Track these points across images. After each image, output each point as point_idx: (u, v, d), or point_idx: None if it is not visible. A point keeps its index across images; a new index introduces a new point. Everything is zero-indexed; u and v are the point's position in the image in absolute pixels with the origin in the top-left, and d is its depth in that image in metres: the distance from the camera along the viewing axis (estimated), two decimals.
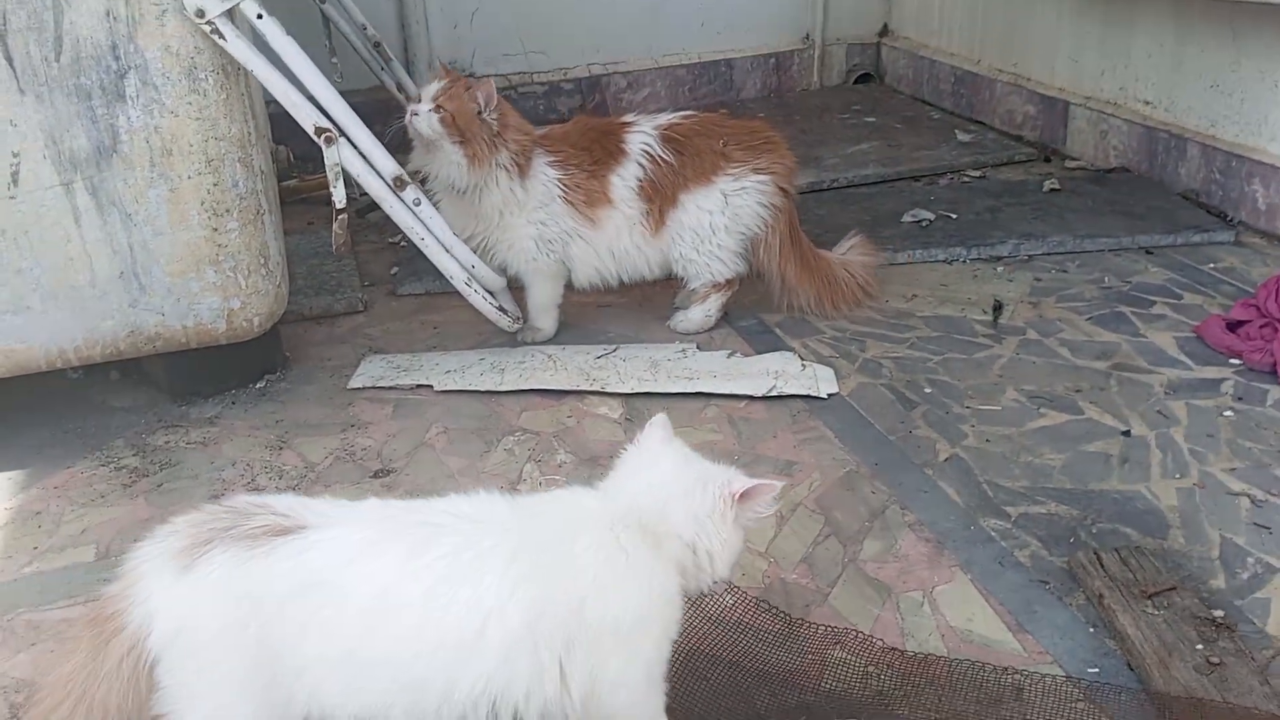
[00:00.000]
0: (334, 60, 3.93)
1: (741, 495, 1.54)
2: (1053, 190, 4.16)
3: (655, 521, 1.53)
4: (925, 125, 5.10)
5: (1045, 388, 2.86)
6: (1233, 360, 2.93)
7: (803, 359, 3.03)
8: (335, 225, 2.79)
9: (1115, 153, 4.37)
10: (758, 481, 1.55)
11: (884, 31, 5.89)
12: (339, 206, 2.76)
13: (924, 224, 3.91)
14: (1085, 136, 4.52)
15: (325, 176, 2.76)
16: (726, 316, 3.28)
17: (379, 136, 2.84)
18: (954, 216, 3.96)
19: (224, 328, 2.78)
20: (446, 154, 2.91)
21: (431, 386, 2.95)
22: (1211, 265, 3.54)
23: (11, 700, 1.94)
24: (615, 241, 3.10)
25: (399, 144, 3.04)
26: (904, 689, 1.90)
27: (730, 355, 3.07)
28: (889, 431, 2.70)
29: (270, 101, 2.83)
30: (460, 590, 1.43)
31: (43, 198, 2.51)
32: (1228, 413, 2.70)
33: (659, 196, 3.06)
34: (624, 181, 3.05)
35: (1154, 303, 3.31)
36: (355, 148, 2.76)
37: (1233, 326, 3.00)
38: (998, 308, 3.29)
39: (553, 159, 3.04)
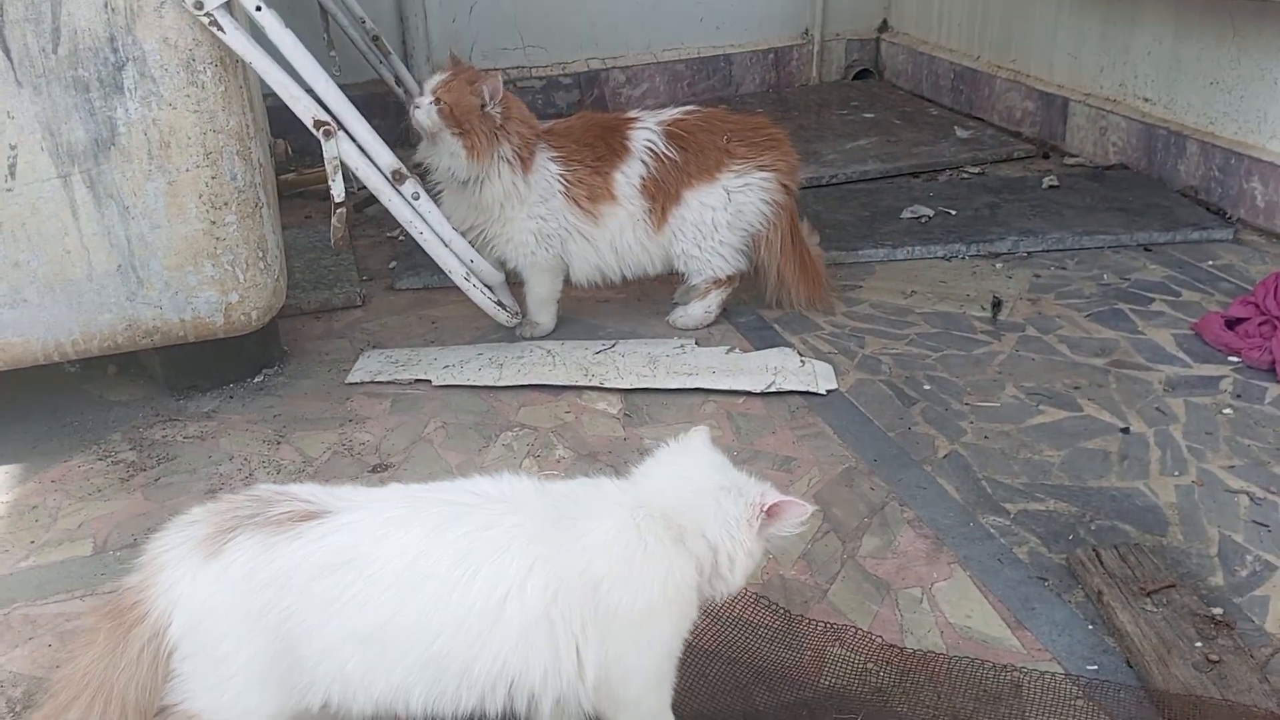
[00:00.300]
0: (332, 54, 3.92)
1: (771, 509, 1.54)
2: (1052, 187, 4.16)
3: (680, 514, 1.53)
4: (924, 121, 5.10)
5: (1044, 384, 2.86)
6: (1231, 358, 2.94)
7: (802, 355, 3.03)
8: (334, 219, 2.78)
9: (1114, 149, 4.37)
10: (790, 499, 1.55)
11: (883, 27, 5.88)
12: (337, 200, 2.75)
13: (923, 220, 3.91)
14: (1084, 133, 4.52)
15: (323, 170, 2.75)
16: (725, 312, 3.28)
17: (377, 130, 2.83)
18: (953, 213, 3.95)
19: (222, 321, 2.77)
20: (446, 145, 2.90)
21: (430, 381, 2.95)
22: (1210, 263, 3.54)
23: (9, 695, 1.93)
24: (619, 238, 3.08)
25: (399, 138, 3.03)
26: (903, 686, 1.90)
27: (729, 351, 3.07)
28: (888, 428, 2.70)
29: (268, 94, 2.82)
30: (482, 567, 1.44)
31: (40, 190, 2.50)
32: (1226, 410, 2.71)
33: (662, 193, 3.05)
34: (628, 178, 3.04)
35: (1153, 300, 3.31)
36: (354, 141, 2.75)
37: (1231, 324, 3.00)
38: (996, 304, 3.29)
39: (555, 154, 3.03)
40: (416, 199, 2.87)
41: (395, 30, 4.86)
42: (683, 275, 3.23)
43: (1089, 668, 1.94)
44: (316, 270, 3.62)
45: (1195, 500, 2.38)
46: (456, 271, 2.99)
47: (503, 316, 3.14)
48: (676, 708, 1.63)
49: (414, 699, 1.46)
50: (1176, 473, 2.48)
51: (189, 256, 2.67)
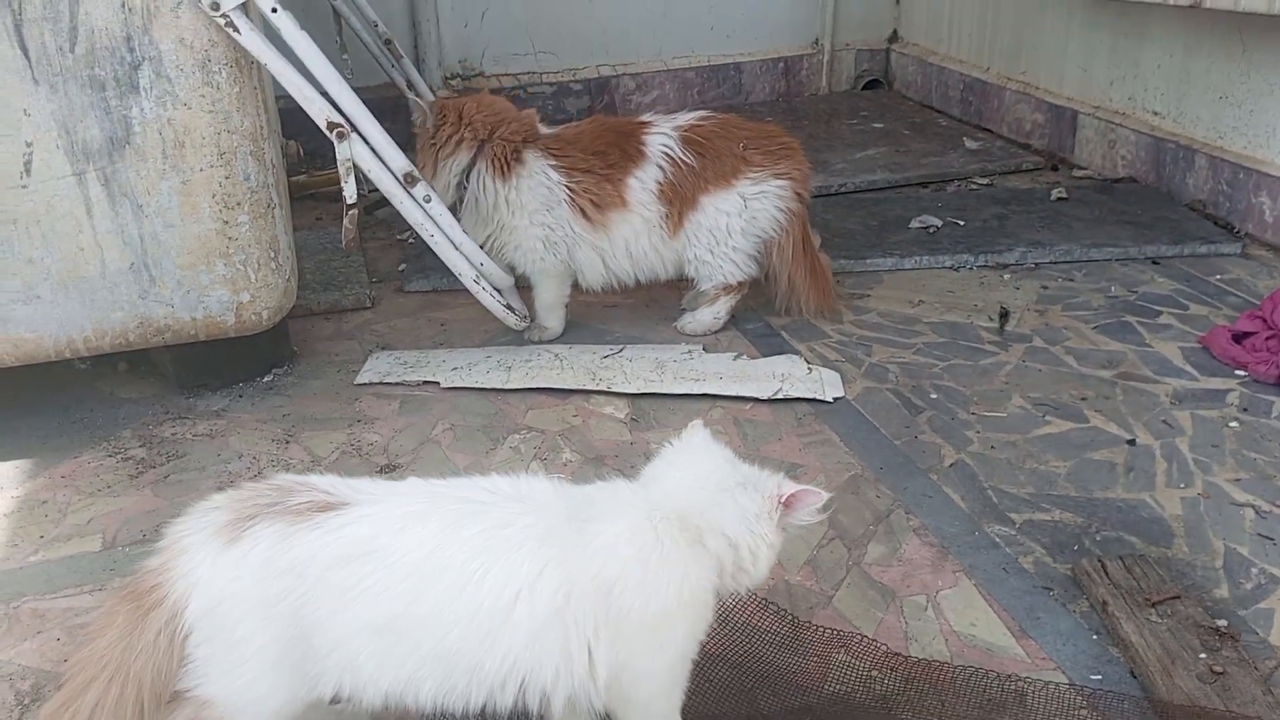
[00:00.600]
0: (345, 56, 3.94)
1: (788, 500, 1.55)
2: (1060, 199, 4.17)
3: (699, 516, 1.53)
4: (933, 132, 5.11)
5: (1051, 395, 2.87)
6: (1238, 371, 2.94)
7: (809, 362, 3.04)
8: (345, 221, 2.79)
9: (1123, 162, 4.37)
10: (805, 488, 1.56)
11: (893, 38, 5.90)
12: (349, 202, 2.77)
13: (931, 230, 3.91)
14: (1093, 146, 4.53)
15: (334, 172, 2.77)
16: (733, 319, 3.29)
17: (389, 133, 2.84)
18: (961, 223, 3.96)
19: (233, 320, 2.78)
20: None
21: (438, 383, 2.96)
22: (1218, 276, 3.55)
23: (17, 688, 1.94)
24: (633, 243, 3.08)
25: (410, 141, 3.05)
26: (907, 693, 1.90)
27: (736, 357, 3.07)
28: (894, 436, 2.70)
29: (281, 96, 2.84)
30: (495, 564, 1.45)
31: (55, 188, 2.52)
32: (1233, 424, 2.71)
33: (679, 198, 3.04)
34: (643, 185, 3.03)
35: (1160, 313, 3.31)
36: (367, 143, 2.77)
37: (1239, 338, 3.01)
38: (1004, 315, 3.30)
39: (558, 162, 3.02)
40: (428, 201, 2.89)
41: (407, 34, 4.89)
42: (691, 281, 3.24)
43: (1093, 677, 1.94)
44: (327, 272, 3.64)
45: (1201, 513, 2.38)
46: (466, 274, 3.01)
47: (511, 320, 3.15)
48: (683, 711, 1.63)
49: (424, 692, 1.47)
50: (1182, 485, 2.48)
51: (201, 255, 2.69)
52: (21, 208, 2.51)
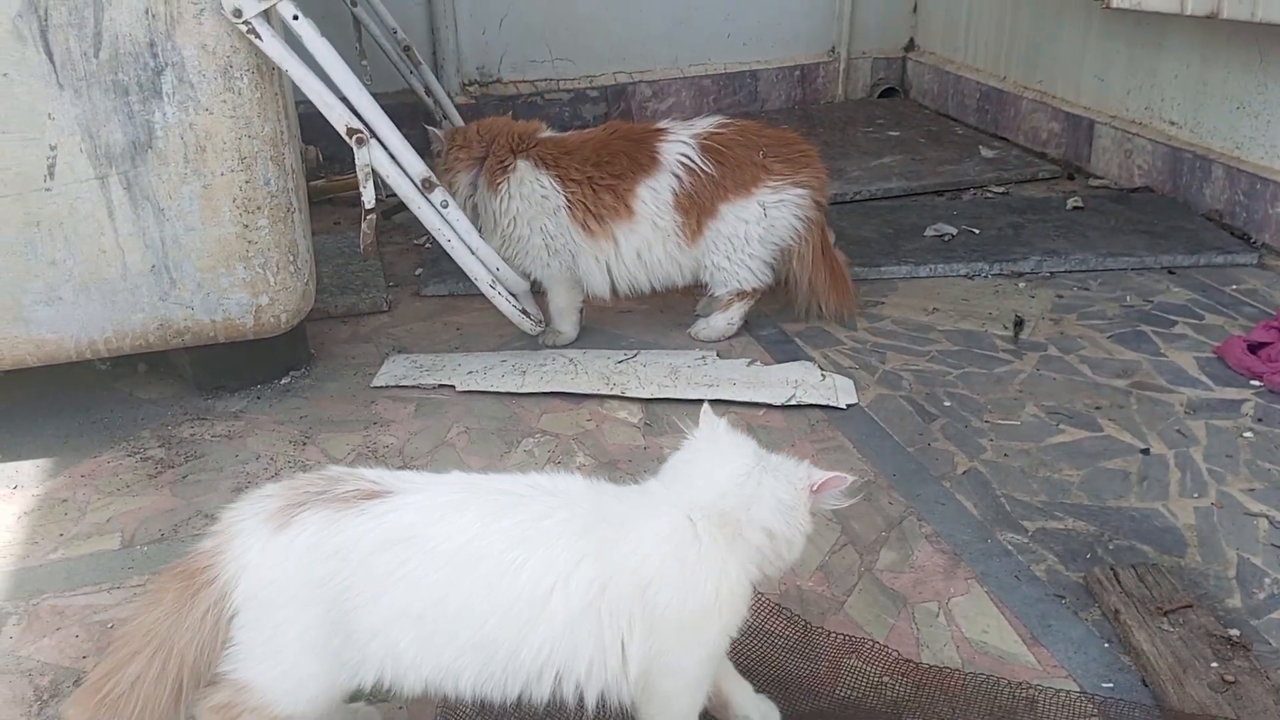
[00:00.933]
0: (364, 63, 3.98)
1: (819, 487, 1.58)
2: (1076, 208, 4.17)
3: (739, 510, 1.54)
4: (949, 140, 5.11)
5: (1065, 404, 2.87)
6: (1253, 382, 2.93)
7: (822, 369, 3.05)
8: (364, 225, 2.82)
9: (1140, 172, 4.37)
10: (834, 474, 1.59)
11: (910, 46, 5.90)
12: (368, 207, 2.79)
13: (946, 238, 3.92)
14: (1110, 155, 4.52)
15: (353, 177, 2.80)
16: (747, 325, 3.30)
17: (407, 139, 2.87)
18: (976, 232, 3.96)
19: (252, 323, 2.81)
20: None
21: (453, 386, 2.98)
22: (1234, 287, 3.54)
23: (36, 683, 1.97)
24: (645, 253, 3.07)
25: (428, 147, 3.08)
26: (918, 700, 1.91)
27: (750, 364, 3.09)
28: (907, 443, 2.71)
29: (300, 101, 2.87)
30: (533, 555, 1.47)
31: (78, 191, 2.55)
32: (1247, 434, 2.70)
33: (697, 207, 3.04)
34: (656, 193, 3.02)
35: (1175, 322, 3.31)
36: (385, 149, 2.79)
37: (1254, 348, 3.00)
38: (1019, 323, 3.30)
39: (551, 169, 3.03)
40: (445, 207, 2.91)
41: (426, 41, 4.92)
42: (705, 286, 3.25)
43: (1104, 686, 1.94)
44: (344, 276, 3.67)
45: (1214, 522, 2.38)
46: (482, 279, 3.03)
47: (526, 324, 3.17)
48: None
49: (463, 681, 1.50)
50: (1196, 495, 2.48)
51: (221, 259, 2.72)
52: (45, 210, 2.54)
